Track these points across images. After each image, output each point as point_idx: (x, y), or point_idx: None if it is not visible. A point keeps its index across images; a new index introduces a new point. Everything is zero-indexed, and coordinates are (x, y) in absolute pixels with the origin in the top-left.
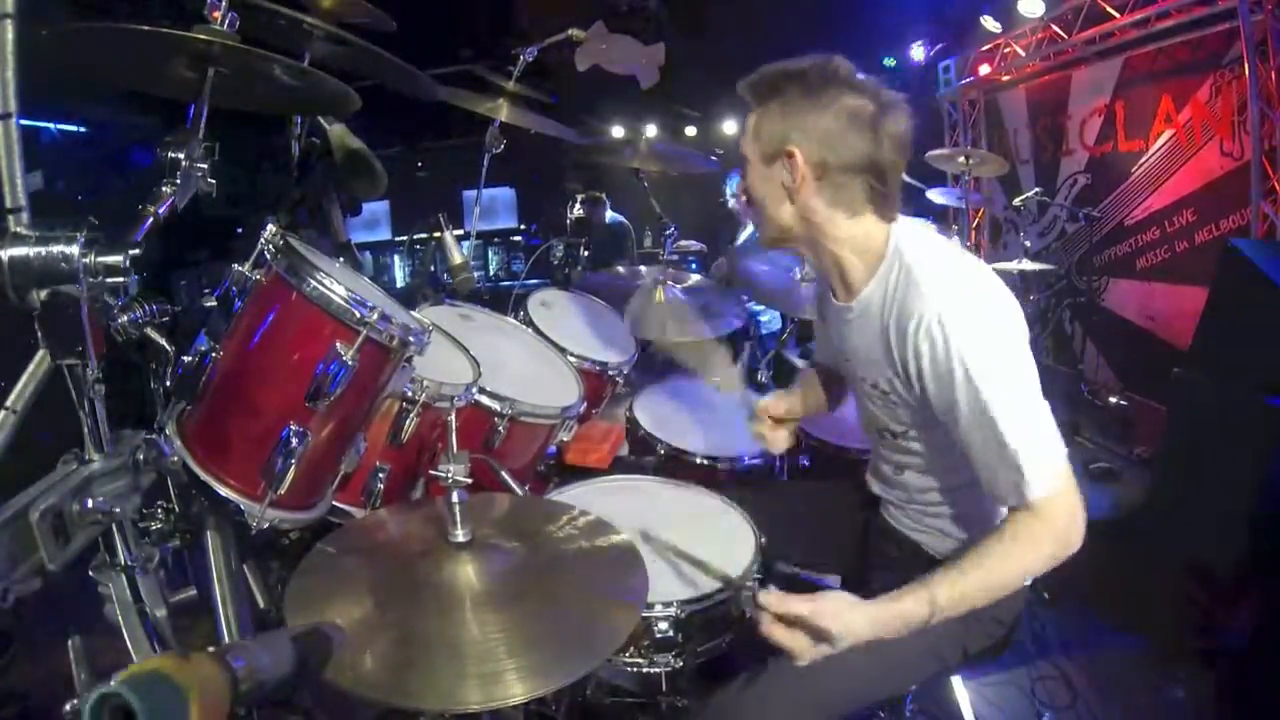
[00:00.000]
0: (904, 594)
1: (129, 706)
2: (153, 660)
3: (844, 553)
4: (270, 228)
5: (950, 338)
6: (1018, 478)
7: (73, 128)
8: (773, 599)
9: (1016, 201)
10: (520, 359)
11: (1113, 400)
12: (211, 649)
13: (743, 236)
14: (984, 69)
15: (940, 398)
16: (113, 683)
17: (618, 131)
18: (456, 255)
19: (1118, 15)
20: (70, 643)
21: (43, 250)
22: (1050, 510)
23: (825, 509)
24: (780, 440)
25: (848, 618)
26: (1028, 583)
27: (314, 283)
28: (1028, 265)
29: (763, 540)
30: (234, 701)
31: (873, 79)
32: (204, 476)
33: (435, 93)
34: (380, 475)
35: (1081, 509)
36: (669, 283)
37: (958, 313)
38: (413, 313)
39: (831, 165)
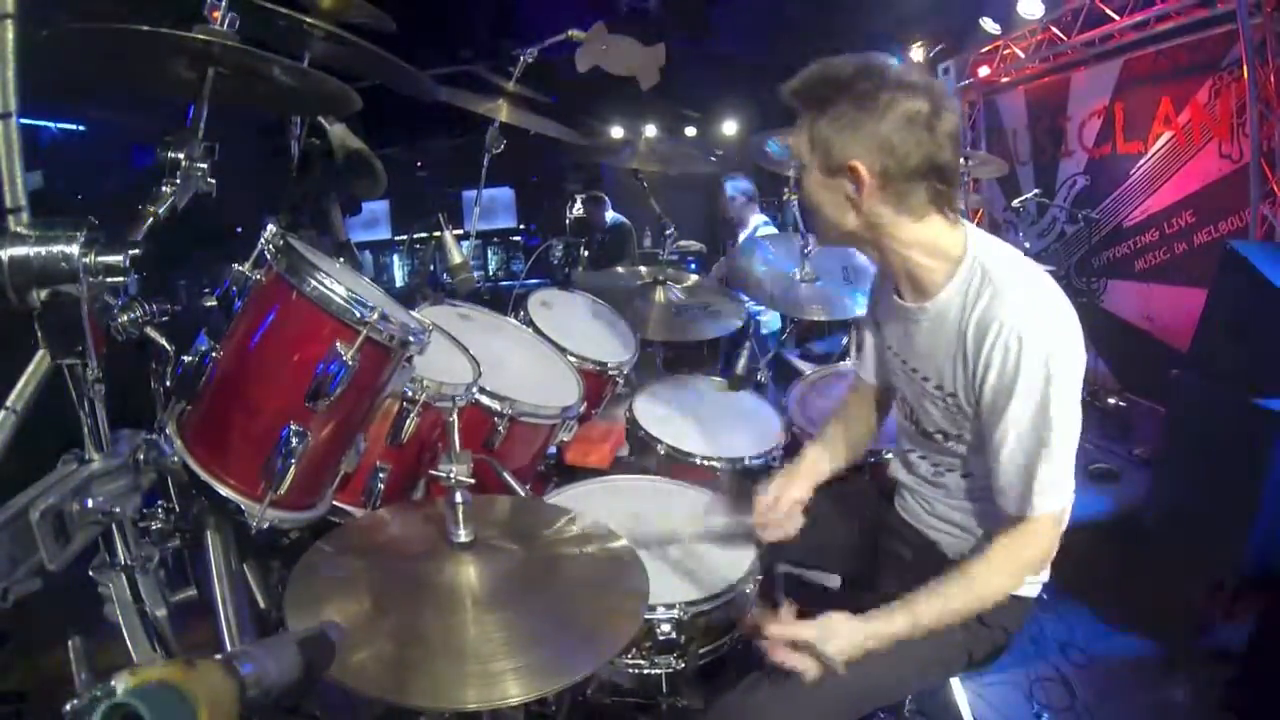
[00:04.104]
0: (891, 616)
1: (139, 717)
2: (160, 668)
3: (846, 553)
4: (270, 228)
5: (1024, 355)
6: (1028, 493)
7: (73, 127)
8: (779, 628)
9: (1015, 203)
10: (520, 359)
11: (1112, 401)
12: (218, 655)
13: (742, 237)
14: (983, 70)
15: (994, 401)
16: (120, 689)
17: (618, 131)
18: (456, 255)
19: (1117, 17)
20: (70, 643)
21: (43, 250)
22: (1038, 535)
23: (827, 509)
24: (793, 525)
25: (845, 630)
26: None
27: (314, 283)
28: None
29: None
30: (242, 709)
31: (921, 75)
32: (204, 476)
33: (435, 93)
34: (380, 475)
35: (1056, 541)
36: (669, 283)
37: (1037, 334)
38: (413, 313)
39: (894, 173)
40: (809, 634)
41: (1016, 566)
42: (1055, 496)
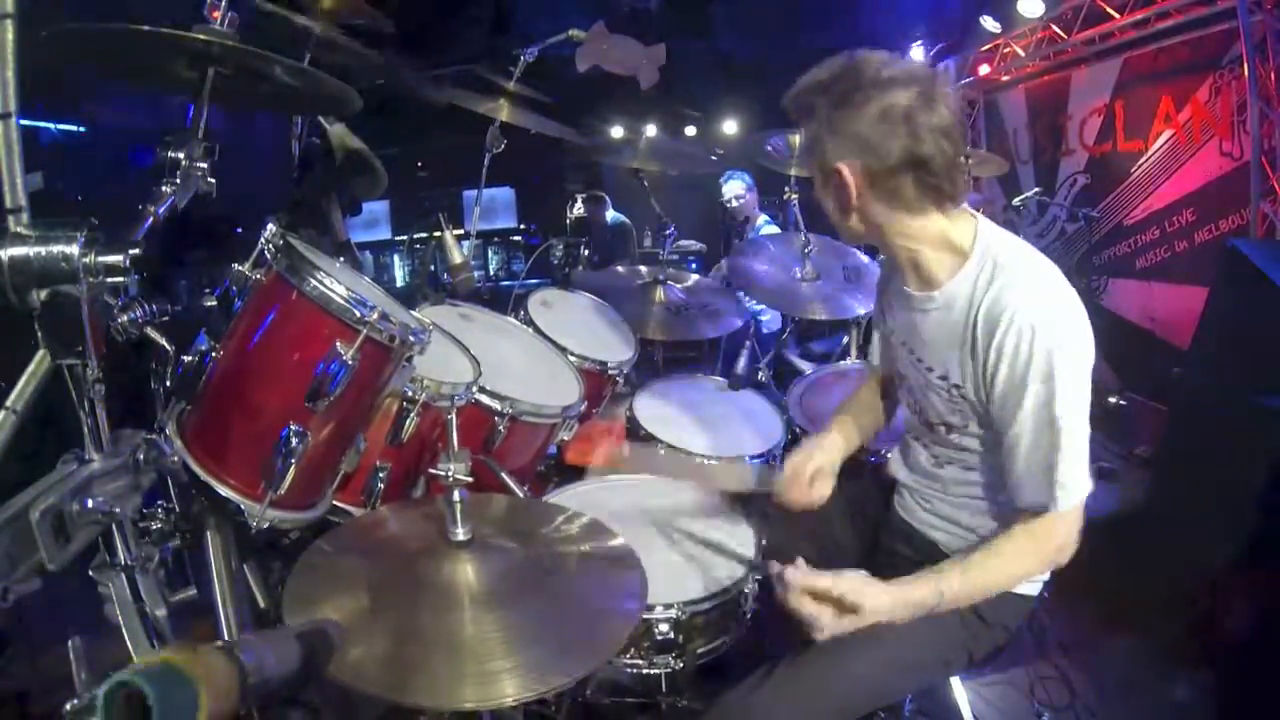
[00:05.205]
0: (916, 581)
1: (142, 696)
2: (162, 652)
3: (847, 553)
4: (270, 228)
5: (1037, 342)
6: (1052, 487)
7: (73, 128)
8: (799, 574)
9: (1016, 201)
10: (520, 359)
11: (1113, 400)
12: (220, 643)
13: (749, 234)
14: (984, 69)
15: (1007, 394)
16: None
17: (618, 131)
18: (456, 255)
19: (1117, 15)
20: (70, 643)
21: (43, 250)
22: (1060, 526)
23: (827, 509)
24: (822, 494)
25: (869, 592)
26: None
27: (314, 282)
28: None
29: (764, 541)
30: (242, 695)
31: (908, 66)
32: (204, 476)
33: (438, 94)
34: (380, 475)
35: (1078, 533)
36: (669, 283)
37: (1050, 322)
38: (413, 312)
39: (876, 170)
40: (827, 582)
41: (1040, 556)
42: (1076, 490)
